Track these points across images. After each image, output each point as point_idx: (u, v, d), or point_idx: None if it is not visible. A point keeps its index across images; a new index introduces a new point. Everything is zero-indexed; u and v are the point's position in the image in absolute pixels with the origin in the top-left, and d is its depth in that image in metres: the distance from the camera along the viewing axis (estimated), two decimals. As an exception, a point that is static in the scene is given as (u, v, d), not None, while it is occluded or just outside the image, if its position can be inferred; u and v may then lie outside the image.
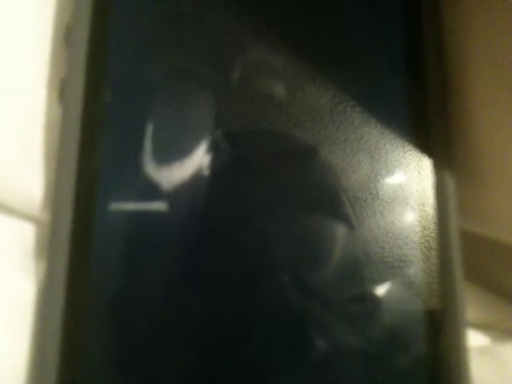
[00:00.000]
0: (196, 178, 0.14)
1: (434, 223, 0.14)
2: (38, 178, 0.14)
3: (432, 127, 0.14)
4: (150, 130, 0.14)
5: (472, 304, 0.14)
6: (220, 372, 0.13)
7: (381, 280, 0.13)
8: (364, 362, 0.13)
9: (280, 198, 0.14)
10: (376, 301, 0.13)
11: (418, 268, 0.13)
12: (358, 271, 0.13)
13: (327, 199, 0.14)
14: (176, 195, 0.14)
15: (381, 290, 0.13)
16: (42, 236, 0.14)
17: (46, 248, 0.13)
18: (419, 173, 0.14)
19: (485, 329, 0.15)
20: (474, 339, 0.15)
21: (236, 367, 0.13)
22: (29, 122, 0.14)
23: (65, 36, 0.15)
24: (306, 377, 0.13)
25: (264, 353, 0.13)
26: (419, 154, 0.14)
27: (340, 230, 0.14)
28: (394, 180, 0.14)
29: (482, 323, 0.15)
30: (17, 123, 0.14)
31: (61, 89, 0.14)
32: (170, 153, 0.14)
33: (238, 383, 0.13)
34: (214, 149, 0.14)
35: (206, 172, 0.14)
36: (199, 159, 0.14)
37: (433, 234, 0.14)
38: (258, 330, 0.13)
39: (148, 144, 0.14)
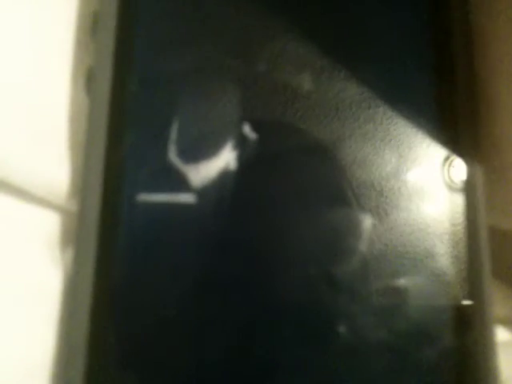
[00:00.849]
0: (222, 169, 0.14)
1: (462, 218, 0.14)
2: (64, 168, 0.14)
3: (460, 122, 0.14)
4: (177, 121, 0.14)
5: (497, 300, 0.14)
6: (247, 361, 0.13)
7: (408, 274, 0.13)
8: (391, 354, 0.13)
9: (306, 191, 0.14)
10: (403, 294, 0.13)
11: (445, 263, 0.13)
12: (386, 265, 0.13)
13: (354, 192, 0.14)
14: (203, 186, 0.14)
15: (408, 283, 0.13)
16: (68, 225, 0.14)
17: (74, 238, 0.13)
18: (447, 168, 0.14)
19: (509, 324, 0.15)
20: (500, 334, 0.15)
21: (263, 358, 0.13)
22: (55, 111, 0.14)
23: (91, 25, 0.14)
24: (333, 368, 0.13)
25: (290, 344, 0.13)
26: (447, 148, 0.14)
27: (367, 223, 0.14)
28: (421, 174, 0.14)
29: (508, 319, 0.15)
30: (43, 113, 0.14)
31: (87, 78, 0.14)
32: (197, 144, 0.14)
33: (265, 373, 0.13)
34: (241, 141, 0.14)
35: (233, 164, 0.14)
36: (226, 151, 0.14)
37: (461, 229, 0.14)
38: (284, 323, 0.13)
39: (175, 134, 0.14)
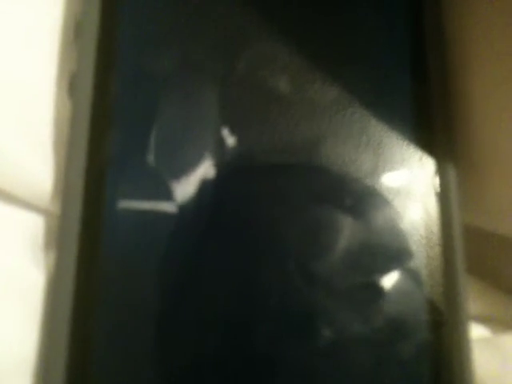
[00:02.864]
0: (204, 172, 0.14)
1: (437, 216, 0.14)
2: (47, 170, 0.14)
3: (435, 121, 0.15)
4: (159, 124, 0.14)
5: (473, 296, 0.14)
6: (229, 359, 0.13)
7: (384, 271, 0.14)
8: (367, 351, 0.13)
9: (286, 190, 0.14)
10: (380, 292, 0.13)
11: (421, 259, 0.14)
12: (363, 262, 0.14)
13: (333, 192, 0.14)
14: (184, 191, 0.14)
15: (384, 281, 0.14)
16: (51, 227, 0.14)
17: (56, 240, 0.13)
18: (423, 166, 0.14)
19: (485, 321, 0.15)
20: (476, 331, 0.15)
21: (244, 353, 0.13)
22: (39, 115, 0.14)
23: (75, 30, 0.15)
24: (310, 363, 0.13)
25: (269, 340, 0.13)
26: (422, 147, 0.14)
27: (345, 221, 0.14)
28: (397, 173, 0.14)
29: (483, 315, 0.15)
30: (27, 116, 0.14)
31: (70, 83, 0.14)
32: (179, 147, 0.14)
33: (246, 369, 0.13)
34: (222, 145, 0.14)
35: (215, 168, 0.14)
36: (208, 156, 0.14)
37: (436, 227, 0.14)
38: (264, 318, 0.13)
39: (157, 138, 0.14)
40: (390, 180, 0.14)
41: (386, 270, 0.14)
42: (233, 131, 0.14)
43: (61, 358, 0.13)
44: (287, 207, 0.14)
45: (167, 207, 0.14)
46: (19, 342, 0.13)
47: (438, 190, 0.14)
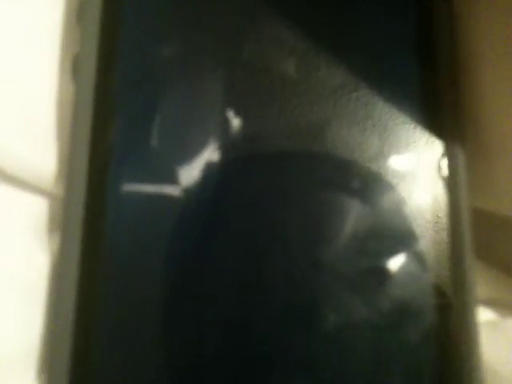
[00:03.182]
0: (209, 160, 0.14)
1: (446, 200, 0.14)
2: (51, 153, 0.14)
3: (443, 104, 0.14)
4: (163, 108, 0.14)
5: (481, 280, 0.14)
6: (236, 344, 0.13)
7: (393, 255, 0.13)
8: (374, 335, 0.13)
9: (292, 175, 0.14)
10: (388, 276, 0.13)
11: (429, 243, 0.14)
12: (370, 246, 0.13)
13: (340, 177, 0.14)
14: (189, 176, 0.14)
15: (392, 265, 0.13)
16: (55, 210, 0.14)
17: (60, 222, 0.13)
18: (430, 150, 0.14)
19: (492, 305, 0.15)
20: (483, 315, 0.15)
21: (251, 339, 0.13)
22: (42, 98, 0.14)
23: (77, 12, 0.15)
24: (320, 347, 0.13)
25: (278, 325, 0.13)
26: (430, 131, 0.14)
27: (352, 205, 0.14)
28: (405, 157, 0.14)
29: (490, 299, 0.15)
30: (30, 99, 0.14)
31: (74, 65, 0.14)
32: (183, 132, 0.14)
33: (252, 352, 0.13)
34: (227, 131, 0.14)
35: (219, 154, 0.14)
36: (213, 142, 0.14)
37: (444, 211, 0.14)
38: (273, 307, 0.13)
39: (162, 120, 0.14)
40: (397, 164, 0.14)
41: (394, 254, 0.13)
42: (237, 117, 0.14)
43: (66, 343, 0.13)
44: (293, 192, 0.14)
45: (171, 191, 0.14)
46: (24, 327, 0.13)
47: (446, 173, 0.14)
